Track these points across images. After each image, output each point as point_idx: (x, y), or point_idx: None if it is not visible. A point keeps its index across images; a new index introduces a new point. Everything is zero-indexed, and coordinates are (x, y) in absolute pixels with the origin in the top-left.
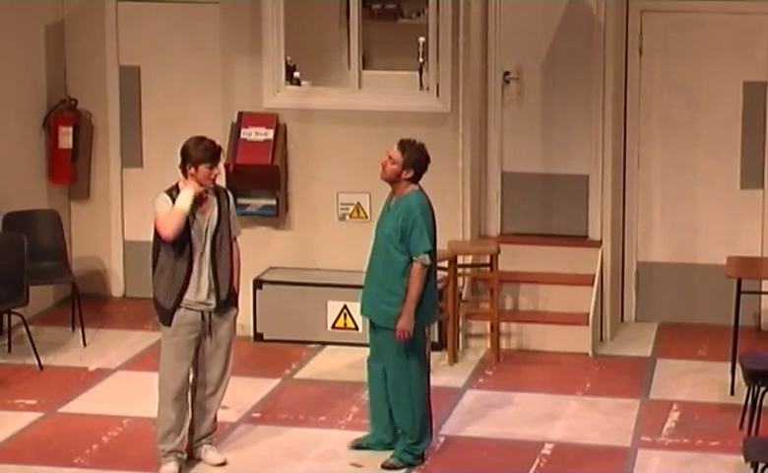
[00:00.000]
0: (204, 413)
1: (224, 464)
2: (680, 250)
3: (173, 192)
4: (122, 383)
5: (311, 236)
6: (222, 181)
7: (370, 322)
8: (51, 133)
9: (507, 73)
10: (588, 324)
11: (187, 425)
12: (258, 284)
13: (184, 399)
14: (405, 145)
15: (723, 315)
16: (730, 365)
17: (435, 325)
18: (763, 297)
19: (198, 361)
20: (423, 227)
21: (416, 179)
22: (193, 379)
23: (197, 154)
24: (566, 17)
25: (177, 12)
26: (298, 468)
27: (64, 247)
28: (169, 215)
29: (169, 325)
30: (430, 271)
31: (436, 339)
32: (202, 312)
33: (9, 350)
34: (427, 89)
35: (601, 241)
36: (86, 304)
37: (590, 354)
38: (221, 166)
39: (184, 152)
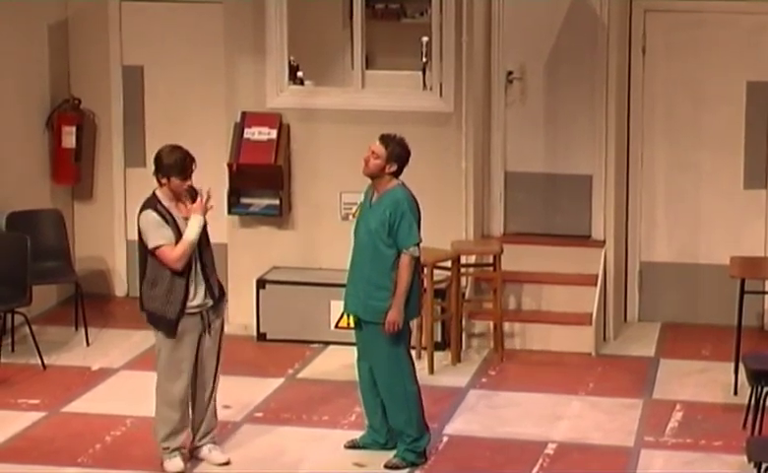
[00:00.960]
0: (204, 410)
1: (227, 463)
2: (684, 250)
3: (158, 206)
4: (125, 383)
5: (314, 235)
6: (225, 181)
7: (356, 321)
8: (55, 133)
9: (510, 72)
10: (591, 324)
11: (189, 423)
12: (261, 283)
13: (187, 401)
14: (387, 139)
15: (726, 315)
16: (733, 365)
17: (439, 325)
18: (766, 297)
19: (197, 360)
20: (412, 219)
21: (398, 174)
22: (193, 379)
23: (168, 165)
24: (569, 16)
25: (181, 12)
26: (301, 468)
27: (67, 247)
28: (180, 250)
29: (174, 336)
30: (416, 266)
31: (439, 339)
32: (200, 313)
33: (12, 349)
34: (430, 88)
35: (604, 241)
36: (89, 303)
37: (593, 354)
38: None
39: (157, 161)
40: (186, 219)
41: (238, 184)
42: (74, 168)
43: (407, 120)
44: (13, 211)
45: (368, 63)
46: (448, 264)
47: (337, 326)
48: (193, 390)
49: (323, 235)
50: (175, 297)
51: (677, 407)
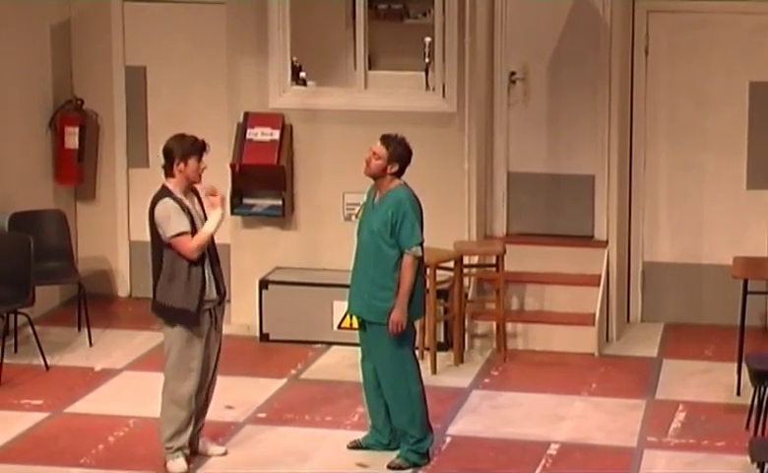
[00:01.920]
0: (207, 407)
1: (224, 454)
2: (687, 251)
3: (173, 196)
4: (128, 383)
5: (317, 236)
6: (228, 182)
7: (359, 322)
8: (57, 133)
9: (513, 73)
10: (594, 324)
11: (194, 423)
12: (264, 284)
13: (195, 399)
14: (388, 140)
15: (729, 316)
16: (736, 365)
17: (441, 325)
18: None
19: (205, 358)
20: (414, 219)
21: (400, 174)
22: (202, 378)
23: (184, 148)
24: (572, 17)
25: (183, 12)
26: (304, 468)
27: (70, 247)
28: (199, 240)
29: (198, 324)
30: (419, 266)
31: (442, 339)
32: (209, 309)
33: (15, 350)
34: (433, 89)
35: (607, 242)
36: (92, 304)
37: (596, 354)
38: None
39: (169, 150)
40: (198, 214)
41: (241, 185)
42: (77, 169)
43: (409, 121)
44: (16, 211)
45: (371, 64)
46: (451, 265)
47: (339, 327)
48: (200, 389)
49: (326, 235)
50: (194, 287)
51: (680, 407)
